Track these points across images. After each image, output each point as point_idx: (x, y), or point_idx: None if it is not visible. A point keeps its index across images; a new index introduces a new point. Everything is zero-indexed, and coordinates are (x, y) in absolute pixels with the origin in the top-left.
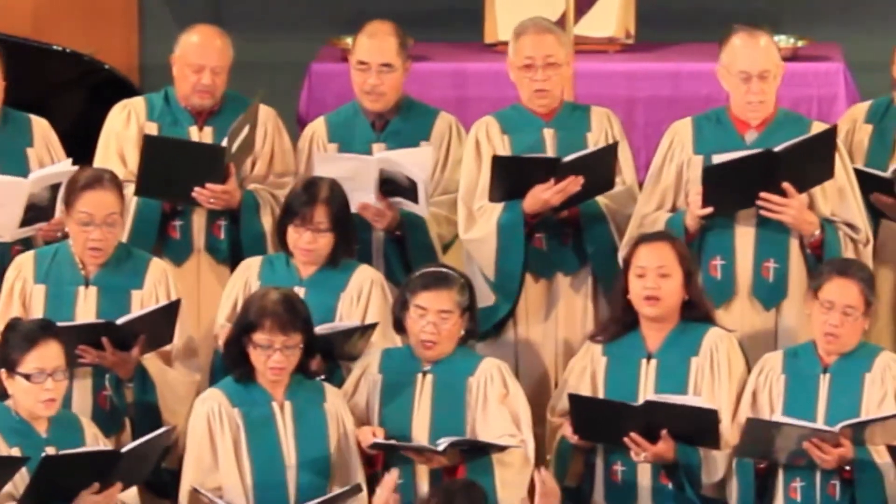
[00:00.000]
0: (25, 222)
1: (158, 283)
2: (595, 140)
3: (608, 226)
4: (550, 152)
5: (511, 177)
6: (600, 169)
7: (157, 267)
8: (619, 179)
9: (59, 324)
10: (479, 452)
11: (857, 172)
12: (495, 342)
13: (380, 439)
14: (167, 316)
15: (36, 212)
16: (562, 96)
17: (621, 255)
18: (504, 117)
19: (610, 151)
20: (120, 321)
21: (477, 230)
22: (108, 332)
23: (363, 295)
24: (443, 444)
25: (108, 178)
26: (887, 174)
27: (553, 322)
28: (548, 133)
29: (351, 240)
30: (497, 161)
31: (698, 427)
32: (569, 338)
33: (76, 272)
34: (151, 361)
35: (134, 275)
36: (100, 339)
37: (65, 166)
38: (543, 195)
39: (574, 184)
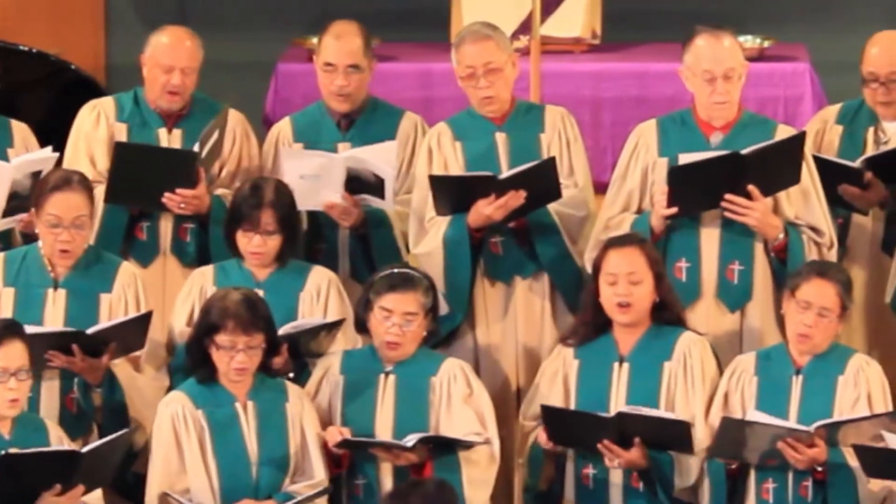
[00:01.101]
0: (7, 212)
1: (128, 287)
2: (548, 141)
3: (558, 232)
4: (503, 157)
5: (452, 193)
6: (540, 182)
7: (127, 271)
8: (571, 181)
9: (30, 330)
10: (446, 449)
11: (826, 163)
12: (455, 345)
13: (348, 437)
14: (139, 326)
15: (18, 200)
16: (513, 97)
17: (589, 256)
18: (456, 123)
19: (548, 165)
20: (90, 331)
21: (425, 244)
22: (79, 340)
23: (322, 294)
24: (411, 440)
25: (77, 180)
26: (855, 164)
27: (512, 324)
28: (500, 137)
29: (298, 239)
30: (434, 181)
31: (671, 436)
32: (528, 340)
33: (45, 274)
34: (121, 367)
35: (103, 278)
36: (70, 346)
37: (46, 152)
38: (485, 210)
39: (516, 198)
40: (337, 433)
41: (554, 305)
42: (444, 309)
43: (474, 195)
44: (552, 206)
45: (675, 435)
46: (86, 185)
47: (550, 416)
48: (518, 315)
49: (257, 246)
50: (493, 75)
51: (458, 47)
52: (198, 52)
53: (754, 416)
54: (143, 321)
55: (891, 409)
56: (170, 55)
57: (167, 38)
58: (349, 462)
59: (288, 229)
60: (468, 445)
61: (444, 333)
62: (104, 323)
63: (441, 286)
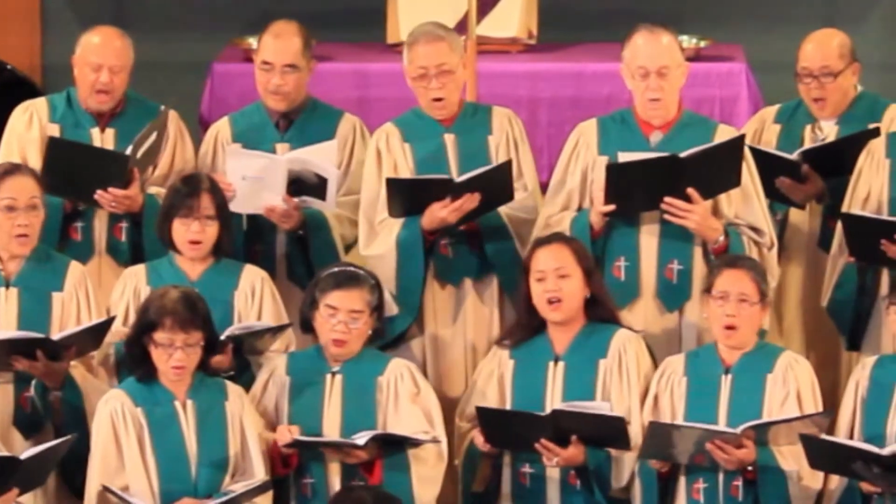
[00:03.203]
0: None
1: (79, 285)
2: (496, 143)
3: (509, 234)
4: (451, 158)
5: (407, 196)
6: (496, 185)
7: (77, 269)
8: (520, 184)
9: None
10: (395, 447)
11: (763, 155)
12: (405, 347)
13: (299, 436)
14: (101, 329)
15: None
16: (461, 99)
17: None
18: (404, 124)
19: (504, 168)
20: (57, 337)
21: (377, 246)
22: (44, 346)
23: (256, 293)
24: (362, 438)
25: (24, 166)
26: (793, 156)
27: (461, 325)
28: (448, 139)
29: (233, 231)
30: (391, 183)
31: (607, 433)
32: (477, 341)
33: None
34: (76, 369)
35: (54, 277)
36: (32, 350)
37: None
38: (440, 213)
39: (470, 201)
40: (287, 433)
41: (503, 307)
42: (392, 310)
43: (429, 198)
44: (503, 209)
45: (611, 431)
46: (33, 172)
47: (486, 418)
48: (467, 317)
49: (196, 233)
50: (445, 77)
51: (411, 47)
52: (128, 51)
53: (680, 419)
54: (106, 325)
55: (820, 407)
56: (99, 54)
57: (97, 37)
58: (298, 462)
59: (224, 217)
60: (417, 443)
61: (393, 335)
62: (70, 329)
63: (392, 288)
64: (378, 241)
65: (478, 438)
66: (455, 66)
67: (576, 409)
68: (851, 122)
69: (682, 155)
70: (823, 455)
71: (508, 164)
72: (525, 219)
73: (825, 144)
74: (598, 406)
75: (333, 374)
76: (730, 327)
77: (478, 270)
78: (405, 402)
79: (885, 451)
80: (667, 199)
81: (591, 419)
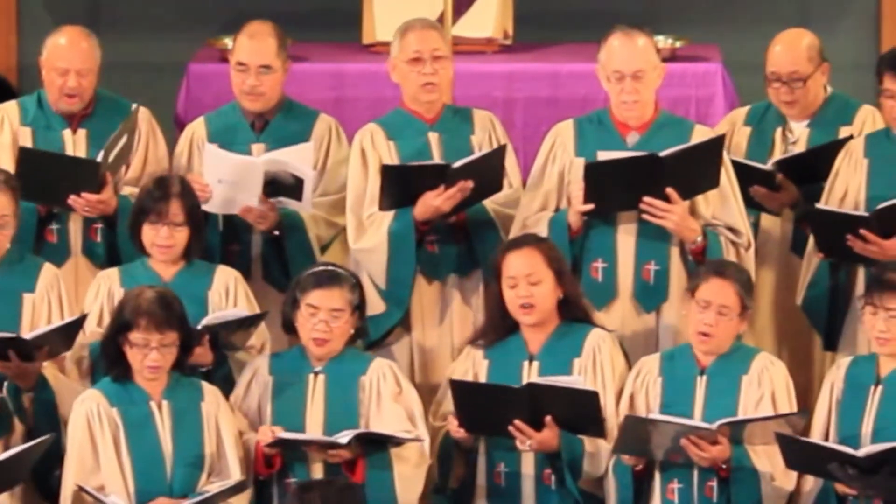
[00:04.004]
0: None
1: (51, 288)
2: (479, 142)
3: (496, 229)
4: (436, 156)
5: (401, 185)
6: (489, 172)
7: (50, 272)
8: (505, 182)
9: None
10: (377, 447)
11: (737, 166)
12: (392, 346)
13: (283, 434)
14: (72, 329)
15: None
16: (443, 98)
17: None
18: (388, 123)
19: (498, 154)
20: (29, 336)
21: (367, 239)
22: (16, 345)
23: (230, 293)
24: (346, 436)
25: (2, 179)
26: (767, 167)
27: (448, 325)
28: (433, 137)
29: (204, 234)
30: (386, 170)
31: (581, 411)
32: (463, 333)
33: None
34: (49, 370)
35: (26, 278)
36: (4, 350)
37: None
38: (434, 202)
39: (464, 189)
40: (269, 432)
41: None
42: (376, 308)
43: (422, 187)
44: (490, 205)
45: (585, 409)
46: (10, 185)
47: (460, 392)
48: (454, 316)
49: (165, 238)
50: (438, 63)
51: (405, 34)
52: (94, 52)
53: (656, 413)
54: (77, 325)
55: (795, 408)
56: (65, 58)
57: (63, 39)
58: (281, 462)
59: (194, 222)
60: (400, 442)
61: (381, 332)
62: (41, 328)
63: (382, 283)
64: (368, 235)
65: (451, 424)
66: (447, 55)
67: (550, 381)
68: (822, 124)
69: (662, 154)
70: (799, 455)
71: (503, 148)
72: (511, 215)
73: (799, 154)
74: (572, 381)
75: (316, 373)
76: (705, 334)
77: (463, 267)
78: (387, 402)
79: (861, 453)
80: (646, 198)
81: (565, 393)
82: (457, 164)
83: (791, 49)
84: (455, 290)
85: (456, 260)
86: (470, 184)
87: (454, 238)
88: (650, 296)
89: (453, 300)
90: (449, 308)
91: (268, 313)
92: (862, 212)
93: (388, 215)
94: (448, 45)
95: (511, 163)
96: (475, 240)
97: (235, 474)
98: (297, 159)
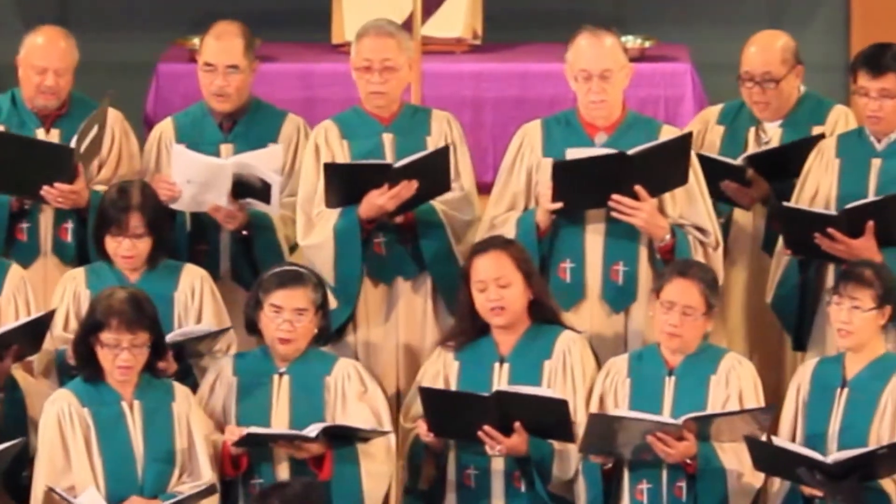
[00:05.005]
0: None
1: (18, 290)
2: (434, 144)
3: (444, 231)
4: (389, 157)
5: (344, 183)
6: (434, 172)
7: (17, 274)
8: (457, 185)
9: None
10: (345, 442)
11: (708, 161)
12: (337, 345)
13: (252, 429)
14: (40, 326)
15: None
16: (401, 99)
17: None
18: (343, 121)
19: (442, 154)
20: None
21: (315, 236)
22: None
23: (196, 294)
24: (314, 430)
25: None
26: (737, 161)
27: (393, 325)
28: (386, 138)
29: (168, 239)
30: (328, 168)
31: (550, 418)
32: (409, 340)
33: None
34: (18, 371)
35: None
36: None
37: None
38: (378, 201)
39: (408, 188)
40: (237, 430)
41: (436, 307)
42: (331, 303)
43: (366, 186)
44: (439, 206)
45: (555, 416)
46: None
47: (429, 399)
48: (399, 316)
49: (127, 250)
50: (388, 73)
51: (360, 38)
52: (72, 52)
53: (621, 410)
54: (44, 322)
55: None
56: (43, 56)
57: (41, 38)
58: (248, 463)
59: (157, 231)
60: (367, 437)
61: (333, 328)
62: (7, 325)
63: (331, 279)
64: (316, 232)
65: (421, 428)
66: (400, 65)
67: (519, 390)
68: (795, 124)
69: (630, 152)
70: (767, 458)
71: (447, 149)
72: (460, 218)
73: (770, 149)
74: (541, 390)
75: (280, 374)
76: (671, 334)
77: (411, 269)
78: (353, 401)
79: (830, 459)
80: (614, 196)
81: (534, 401)
82: (398, 164)
83: (765, 50)
84: (401, 291)
85: (404, 263)
86: (414, 184)
87: (403, 240)
88: (619, 297)
89: (399, 301)
90: (395, 309)
91: (231, 328)
92: (831, 210)
93: (335, 212)
94: (406, 53)
95: (465, 165)
96: (422, 240)
97: (206, 475)
98: (265, 163)
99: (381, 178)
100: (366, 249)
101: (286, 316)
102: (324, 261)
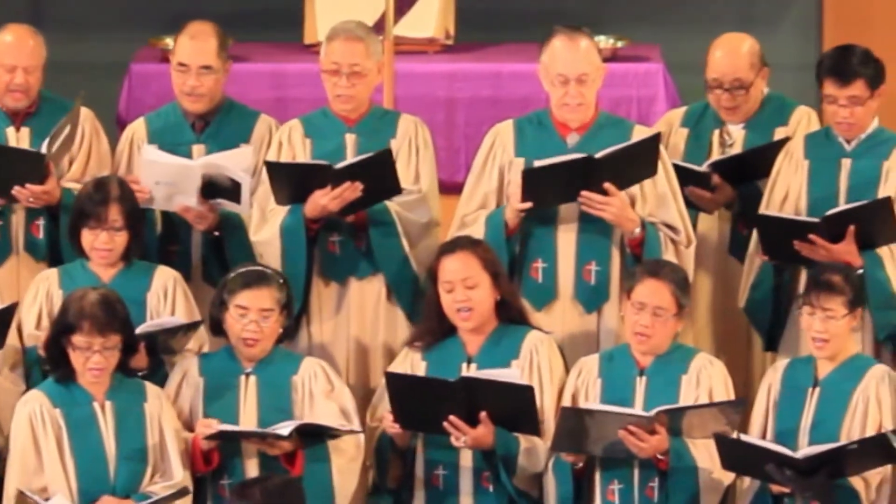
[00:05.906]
0: None
1: None
2: (398, 147)
3: (396, 232)
4: (350, 157)
5: (288, 182)
6: (378, 175)
7: None
8: (416, 187)
9: None
10: (316, 439)
11: (673, 168)
12: (289, 343)
13: (224, 426)
14: (4, 317)
15: None
16: (369, 102)
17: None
18: (309, 121)
19: (384, 158)
20: None
21: (264, 232)
22: None
23: (168, 294)
24: (287, 427)
25: None
26: (703, 168)
27: (345, 321)
28: (349, 138)
29: (142, 236)
30: (270, 167)
31: (516, 406)
32: (360, 336)
33: None
34: None
35: None
36: None
37: None
38: (321, 201)
39: (352, 190)
40: (210, 423)
41: (388, 306)
42: None
43: (312, 185)
44: (393, 207)
45: (520, 404)
46: None
47: (395, 385)
48: (351, 314)
49: (104, 243)
50: (355, 78)
51: (329, 41)
52: (41, 50)
53: (592, 404)
54: (8, 314)
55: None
56: (12, 54)
57: (9, 36)
58: (219, 459)
59: (134, 225)
60: (338, 434)
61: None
62: None
63: None
64: (266, 228)
65: (386, 419)
66: (368, 70)
67: (485, 376)
68: (759, 126)
69: (598, 156)
70: (737, 456)
71: (388, 152)
72: (414, 220)
73: (735, 155)
74: (508, 374)
75: (247, 374)
76: (642, 335)
77: (364, 269)
78: (320, 400)
79: (799, 455)
80: (584, 192)
81: (500, 387)
82: (339, 165)
83: (732, 56)
84: (354, 290)
85: (356, 262)
86: (358, 185)
87: (356, 241)
88: (591, 297)
89: (351, 301)
90: (347, 307)
91: (203, 321)
92: (812, 217)
93: (284, 210)
94: (374, 57)
95: (427, 171)
96: (372, 240)
97: (178, 475)
98: (234, 163)
99: (325, 179)
100: (318, 248)
101: (252, 317)
102: (272, 257)
